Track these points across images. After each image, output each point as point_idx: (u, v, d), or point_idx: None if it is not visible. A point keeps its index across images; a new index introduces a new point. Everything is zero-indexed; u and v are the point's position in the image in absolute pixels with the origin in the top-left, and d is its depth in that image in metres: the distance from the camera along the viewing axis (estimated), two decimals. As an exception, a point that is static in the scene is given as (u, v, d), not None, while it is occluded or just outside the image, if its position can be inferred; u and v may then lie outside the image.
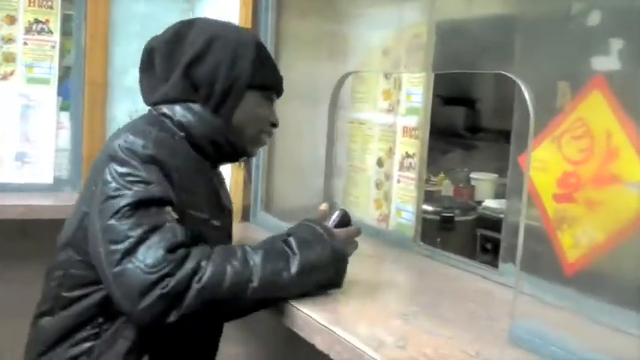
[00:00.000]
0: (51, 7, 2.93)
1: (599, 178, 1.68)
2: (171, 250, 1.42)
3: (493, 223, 3.63)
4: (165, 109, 1.68)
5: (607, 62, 1.68)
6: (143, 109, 2.99)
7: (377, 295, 1.72)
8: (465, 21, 2.17)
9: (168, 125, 1.65)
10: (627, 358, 1.32)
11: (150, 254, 1.41)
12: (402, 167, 2.37)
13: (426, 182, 5.20)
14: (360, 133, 2.59)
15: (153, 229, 1.44)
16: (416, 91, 2.32)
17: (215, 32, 1.71)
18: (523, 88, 1.44)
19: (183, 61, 1.67)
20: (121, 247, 1.42)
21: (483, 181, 4.50)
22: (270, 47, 2.52)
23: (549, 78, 1.74)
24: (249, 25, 2.54)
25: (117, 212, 1.45)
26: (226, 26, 1.78)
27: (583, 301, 1.63)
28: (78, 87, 2.99)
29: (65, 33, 2.96)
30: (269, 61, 1.79)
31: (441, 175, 5.05)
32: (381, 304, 1.65)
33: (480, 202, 4.24)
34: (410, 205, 2.33)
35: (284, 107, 2.57)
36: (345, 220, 1.72)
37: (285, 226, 2.26)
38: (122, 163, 1.51)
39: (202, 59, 1.67)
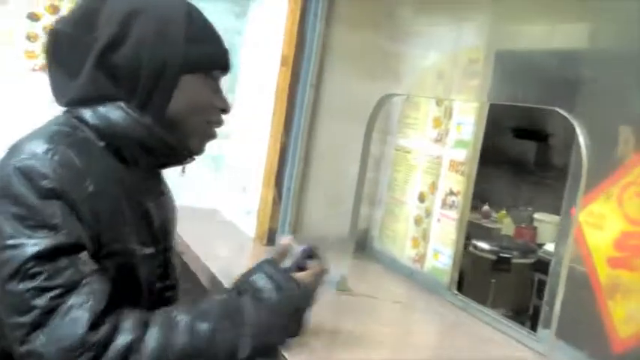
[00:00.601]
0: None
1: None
2: (93, 325, 1.13)
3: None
4: (79, 111, 1.32)
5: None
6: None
7: (383, 349, 1.49)
8: (528, 52, 1.93)
9: (82, 133, 1.30)
10: None
11: (65, 331, 1.11)
12: (444, 205, 2.13)
13: (487, 218, 4.95)
14: (404, 163, 2.36)
15: (66, 292, 1.14)
16: (467, 121, 2.07)
17: (133, 5, 1.33)
18: (578, 129, 1.19)
19: (96, 48, 1.30)
20: (27, 319, 1.12)
21: (547, 223, 4.21)
22: (315, 59, 2.32)
23: (612, 121, 1.48)
24: (293, 33, 2.35)
25: (16, 272, 1.13)
26: None
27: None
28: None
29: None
30: (206, 32, 1.40)
31: (503, 211, 4.76)
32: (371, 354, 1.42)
33: (541, 245, 3.97)
34: (448, 248, 2.08)
35: (322, 125, 2.39)
36: (310, 257, 1.42)
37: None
38: (16, 202, 1.18)
39: (120, 43, 1.30)
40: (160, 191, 1.47)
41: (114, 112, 1.31)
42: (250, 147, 2.65)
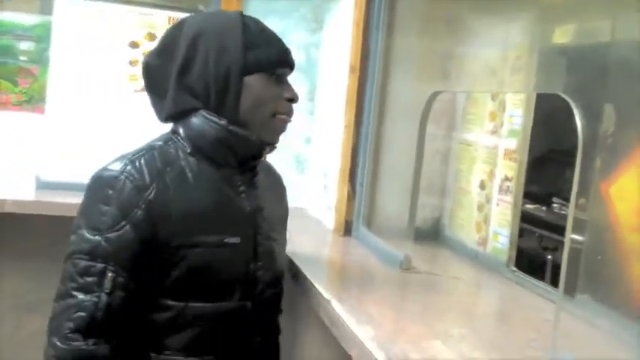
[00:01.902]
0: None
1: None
2: (68, 335, 1.43)
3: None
4: (175, 125, 1.60)
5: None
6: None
7: (435, 315, 1.71)
8: (565, 45, 2.11)
9: (172, 145, 1.57)
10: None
11: (56, 319, 1.45)
12: (500, 190, 2.32)
13: (583, 211, 5.02)
14: (467, 155, 2.56)
15: (79, 290, 1.44)
16: (517, 112, 2.26)
17: (198, 29, 1.56)
18: (575, 111, 1.39)
19: (176, 69, 1.55)
20: (58, 290, 1.48)
21: None
22: (379, 65, 2.56)
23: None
24: (359, 43, 2.59)
25: (69, 255, 1.48)
26: (210, 18, 1.63)
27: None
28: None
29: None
30: (262, 38, 1.60)
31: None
32: (432, 324, 1.64)
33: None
34: (506, 230, 2.27)
35: (392, 125, 2.62)
36: None
37: (381, 244, 2.30)
38: (88, 202, 1.51)
39: (191, 63, 1.55)
40: (252, 184, 1.65)
41: (197, 120, 1.56)
42: (329, 148, 2.91)
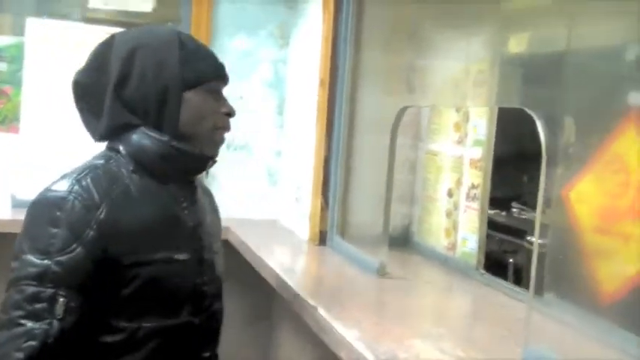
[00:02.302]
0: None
1: (634, 212, 1.72)
2: None
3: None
4: (113, 143, 1.57)
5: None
6: (240, 138, 3.23)
7: (414, 317, 1.83)
8: (524, 56, 2.25)
9: (114, 163, 1.54)
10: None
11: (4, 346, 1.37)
12: (468, 197, 2.45)
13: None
14: (434, 164, 2.69)
15: (28, 317, 1.38)
16: (481, 123, 2.40)
17: (133, 45, 1.56)
18: (538, 124, 1.52)
19: (111, 86, 1.53)
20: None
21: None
22: (347, 79, 2.68)
23: (590, 114, 1.80)
24: (328, 58, 2.70)
25: (15, 281, 1.41)
26: (144, 34, 1.62)
27: (614, 331, 1.67)
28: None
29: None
30: (198, 53, 1.60)
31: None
32: (413, 324, 1.76)
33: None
34: (474, 235, 2.40)
35: (362, 137, 2.74)
36: None
37: (357, 252, 2.41)
38: (34, 225, 1.45)
39: (128, 77, 1.53)
40: (193, 199, 1.64)
41: (137, 137, 1.53)
42: (300, 161, 3.02)
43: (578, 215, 1.89)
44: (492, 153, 2.37)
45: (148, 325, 1.49)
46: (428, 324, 1.81)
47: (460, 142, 2.52)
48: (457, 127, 2.54)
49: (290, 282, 2.06)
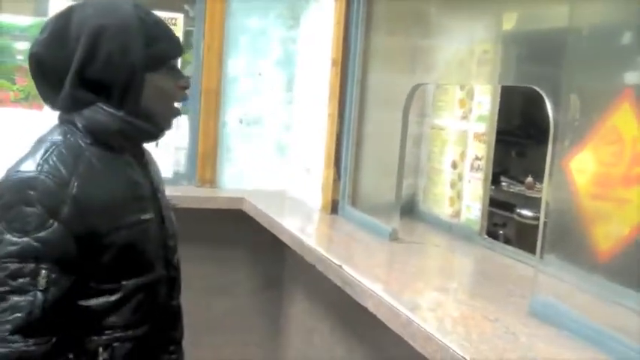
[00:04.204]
0: (175, 24, 3.37)
1: (628, 179, 1.92)
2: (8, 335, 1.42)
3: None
4: (70, 117, 1.59)
5: (636, 76, 1.93)
6: (253, 113, 3.41)
7: (428, 274, 2.03)
8: (528, 33, 2.43)
9: (72, 137, 1.56)
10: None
11: None
12: (472, 168, 2.65)
13: (531, 189, 5.42)
14: (439, 138, 2.88)
15: (12, 293, 1.43)
16: (485, 100, 2.59)
17: (95, 24, 1.56)
18: (547, 102, 1.70)
19: (73, 67, 1.55)
20: None
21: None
22: (359, 60, 2.86)
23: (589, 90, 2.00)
24: (340, 41, 2.88)
25: None
26: (106, 11, 1.60)
27: (608, 286, 1.87)
28: (196, 94, 3.42)
29: (186, 47, 3.40)
30: (160, 32, 1.63)
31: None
32: (429, 280, 1.95)
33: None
34: (478, 203, 2.60)
35: (372, 113, 2.93)
36: None
37: (369, 219, 2.60)
38: (8, 207, 1.46)
39: (91, 60, 1.55)
40: (145, 163, 1.72)
41: (96, 113, 1.55)
42: (310, 135, 3.20)
43: (577, 183, 2.08)
44: (496, 127, 2.56)
45: (128, 284, 1.57)
46: (442, 280, 2.01)
47: (465, 117, 2.71)
48: (462, 103, 2.73)
49: (313, 244, 2.25)
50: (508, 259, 2.32)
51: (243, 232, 3.34)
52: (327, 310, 2.90)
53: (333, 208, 2.95)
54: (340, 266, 2.01)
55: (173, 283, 1.76)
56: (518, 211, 4.95)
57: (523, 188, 5.33)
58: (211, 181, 3.45)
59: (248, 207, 3.12)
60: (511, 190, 5.43)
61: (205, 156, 3.44)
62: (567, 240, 2.11)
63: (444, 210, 2.82)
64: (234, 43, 3.45)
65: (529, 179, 5.33)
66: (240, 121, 3.48)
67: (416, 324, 1.56)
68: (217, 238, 3.38)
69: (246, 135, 3.49)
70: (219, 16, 3.41)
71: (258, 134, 3.51)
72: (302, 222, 2.89)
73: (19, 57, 3.40)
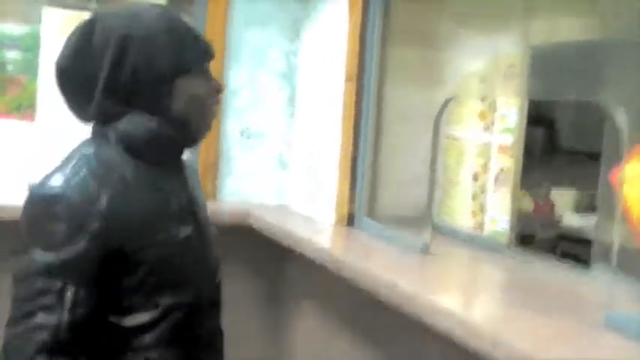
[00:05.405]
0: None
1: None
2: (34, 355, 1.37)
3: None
4: (101, 128, 1.54)
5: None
6: (254, 126, 3.35)
7: (485, 289, 2.00)
8: (557, 47, 2.45)
9: (104, 151, 1.50)
10: None
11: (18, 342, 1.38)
12: (497, 181, 2.65)
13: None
14: (454, 150, 2.88)
15: (40, 311, 1.38)
16: (511, 112, 2.59)
17: (121, 34, 1.50)
18: (617, 117, 1.71)
19: (101, 78, 1.49)
20: (12, 313, 1.40)
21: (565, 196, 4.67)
22: (375, 74, 2.84)
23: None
24: (355, 55, 2.85)
25: (23, 278, 1.40)
26: (131, 20, 1.54)
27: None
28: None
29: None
30: (188, 38, 1.58)
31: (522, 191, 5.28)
32: (492, 295, 1.93)
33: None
34: (505, 215, 2.60)
35: (388, 127, 2.91)
36: None
37: (395, 232, 2.57)
38: (34, 223, 1.43)
39: (119, 69, 1.50)
40: (182, 177, 1.63)
41: (128, 124, 1.50)
42: (317, 149, 3.16)
43: (625, 195, 2.10)
44: (524, 140, 2.57)
45: (164, 302, 1.50)
46: (502, 294, 1.99)
47: (487, 129, 2.71)
48: (483, 115, 2.74)
49: (350, 259, 2.20)
50: (547, 272, 2.31)
51: (244, 247, 3.26)
52: (342, 324, 2.85)
53: (349, 220, 2.90)
54: (395, 284, 1.96)
55: (214, 305, 1.67)
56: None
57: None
58: (213, 195, 3.36)
59: (256, 221, 3.04)
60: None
61: (206, 169, 3.35)
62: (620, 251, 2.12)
63: (464, 222, 2.81)
64: (235, 55, 3.39)
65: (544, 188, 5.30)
66: (242, 134, 3.41)
67: (506, 345, 1.52)
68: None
69: (248, 148, 3.42)
70: (220, 27, 3.34)
71: (259, 147, 3.44)
72: (322, 235, 2.84)
73: (10, 67, 3.26)
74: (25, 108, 3.27)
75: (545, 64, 2.53)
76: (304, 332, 3.26)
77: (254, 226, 3.09)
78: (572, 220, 4.12)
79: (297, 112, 3.43)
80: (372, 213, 2.92)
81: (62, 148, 3.08)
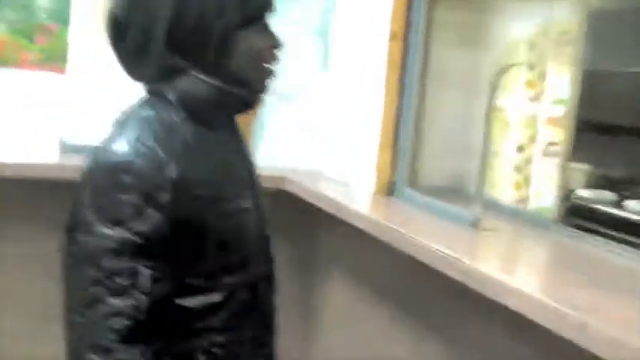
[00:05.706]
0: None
1: None
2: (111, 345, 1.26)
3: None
4: (160, 90, 1.42)
5: None
6: (287, 89, 3.24)
7: (551, 268, 1.95)
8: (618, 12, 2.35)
9: (165, 114, 1.40)
10: None
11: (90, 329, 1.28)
12: (545, 154, 2.56)
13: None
14: (497, 119, 2.78)
15: (111, 294, 1.27)
16: (562, 82, 2.50)
17: None
18: None
19: (161, 28, 1.36)
20: (78, 298, 1.30)
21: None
22: (421, 34, 2.73)
23: None
24: (401, 13, 2.75)
25: (89, 258, 1.29)
26: None
27: None
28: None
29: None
30: None
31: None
32: (558, 275, 1.87)
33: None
34: (552, 189, 2.51)
35: (433, 92, 2.82)
36: None
37: (442, 204, 2.49)
38: (99, 194, 1.31)
39: (182, 20, 1.37)
40: (240, 143, 1.55)
41: (189, 83, 1.40)
42: (356, 112, 3.06)
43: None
44: (576, 111, 2.47)
45: (229, 281, 1.41)
46: (570, 274, 1.91)
47: (536, 99, 2.61)
48: (531, 84, 2.64)
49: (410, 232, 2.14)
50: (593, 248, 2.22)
51: (280, 212, 3.18)
52: (383, 297, 2.80)
53: (389, 190, 2.83)
54: (459, 259, 1.89)
55: (271, 280, 1.57)
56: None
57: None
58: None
59: (294, 187, 2.96)
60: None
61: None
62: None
63: (506, 195, 2.73)
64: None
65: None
66: (274, 96, 3.31)
67: (594, 327, 1.45)
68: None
69: (280, 111, 3.32)
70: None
71: (293, 110, 3.35)
72: (362, 204, 2.76)
73: (41, 14, 3.15)
74: (55, 59, 3.17)
75: (604, 31, 2.42)
76: (336, 299, 3.21)
77: (290, 191, 3.00)
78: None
79: (333, 72, 3.32)
80: (414, 183, 2.84)
81: (95, 102, 3.06)
